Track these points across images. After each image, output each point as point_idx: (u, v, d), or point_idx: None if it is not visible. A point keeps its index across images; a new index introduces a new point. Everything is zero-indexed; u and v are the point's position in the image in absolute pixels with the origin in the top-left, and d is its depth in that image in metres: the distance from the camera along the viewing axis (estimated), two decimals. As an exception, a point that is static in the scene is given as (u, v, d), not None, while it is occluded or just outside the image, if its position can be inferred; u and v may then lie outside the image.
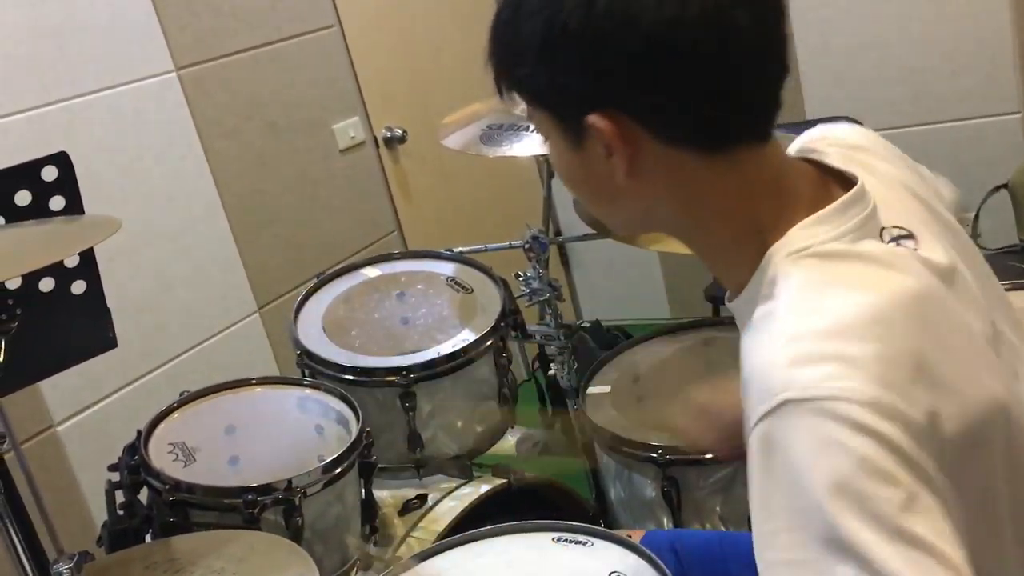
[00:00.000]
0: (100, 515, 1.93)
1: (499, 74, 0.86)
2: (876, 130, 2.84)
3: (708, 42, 0.76)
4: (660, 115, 0.79)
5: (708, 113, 0.79)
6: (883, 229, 0.82)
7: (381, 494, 1.72)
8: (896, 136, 3.25)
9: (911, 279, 0.77)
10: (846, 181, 0.85)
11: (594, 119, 0.79)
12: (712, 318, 2.49)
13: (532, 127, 1.77)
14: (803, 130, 2.08)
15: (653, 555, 1.25)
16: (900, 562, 0.64)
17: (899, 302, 0.74)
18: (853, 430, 0.67)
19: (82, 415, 2.08)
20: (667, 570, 1.21)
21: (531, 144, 1.73)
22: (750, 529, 1.59)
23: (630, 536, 1.33)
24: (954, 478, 0.71)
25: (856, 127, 1.00)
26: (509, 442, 2.69)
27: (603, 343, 2.72)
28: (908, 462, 0.67)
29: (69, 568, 0.97)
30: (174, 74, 2.30)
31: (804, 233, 0.79)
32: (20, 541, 1.27)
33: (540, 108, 0.86)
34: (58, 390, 2.00)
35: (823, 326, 0.72)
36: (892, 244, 0.81)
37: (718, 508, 1.63)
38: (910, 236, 0.83)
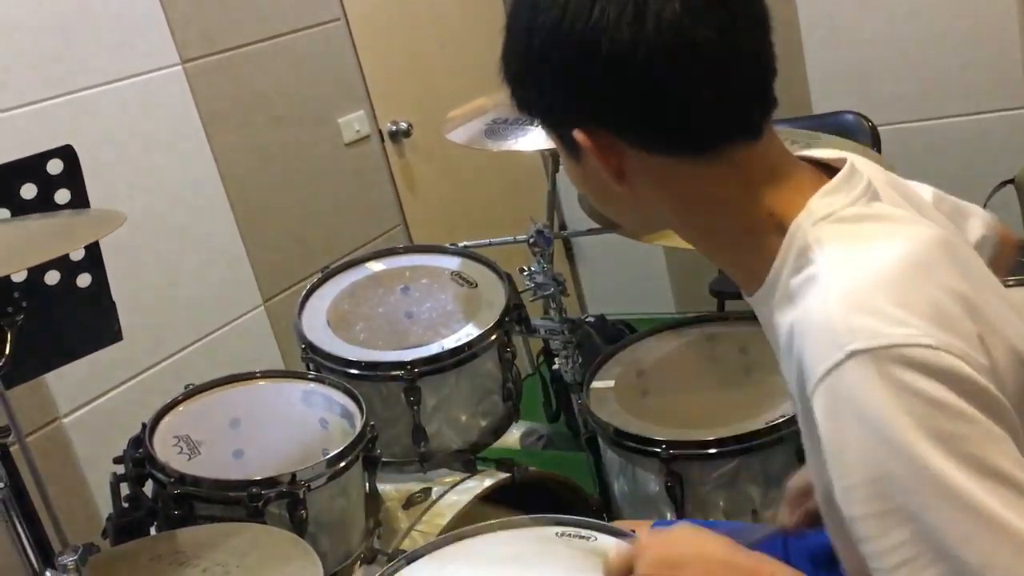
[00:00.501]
0: (105, 507, 1.93)
1: (509, 92, 0.91)
2: (882, 125, 2.83)
3: (666, 61, 0.77)
4: (636, 129, 0.82)
5: (681, 124, 0.81)
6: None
7: (385, 488, 1.73)
8: (903, 131, 3.26)
9: (931, 227, 0.80)
10: (834, 170, 0.88)
11: (577, 135, 0.83)
12: (717, 313, 2.49)
13: (536, 122, 1.77)
14: (808, 125, 2.07)
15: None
16: (991, 497, 0.67)
17: (931, 247, 0.77)
18: (925, 374, 0.69)
19: (88, 407, 2.09)
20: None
21: (536, 139, 1.73)
22: (755, 522, 1.58)
23: (634, 532, 1.33)
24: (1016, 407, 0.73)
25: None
26: (513, 436, 2.70)
27: (608, 337, 2.72)
28: (979, 396, 0.69)
29: (74, 560, 0.97)
30: (180, 67, 2.30)
31: (823, 202, 0.82)
32: (25, 534, 1.28)
33: (540, 124, 0.91)
34: (64, 382, 2.01)
35: (873, 278, 0.74)
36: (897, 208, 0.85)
37: (721, 503, 1.63)
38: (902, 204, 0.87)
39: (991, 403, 0.70)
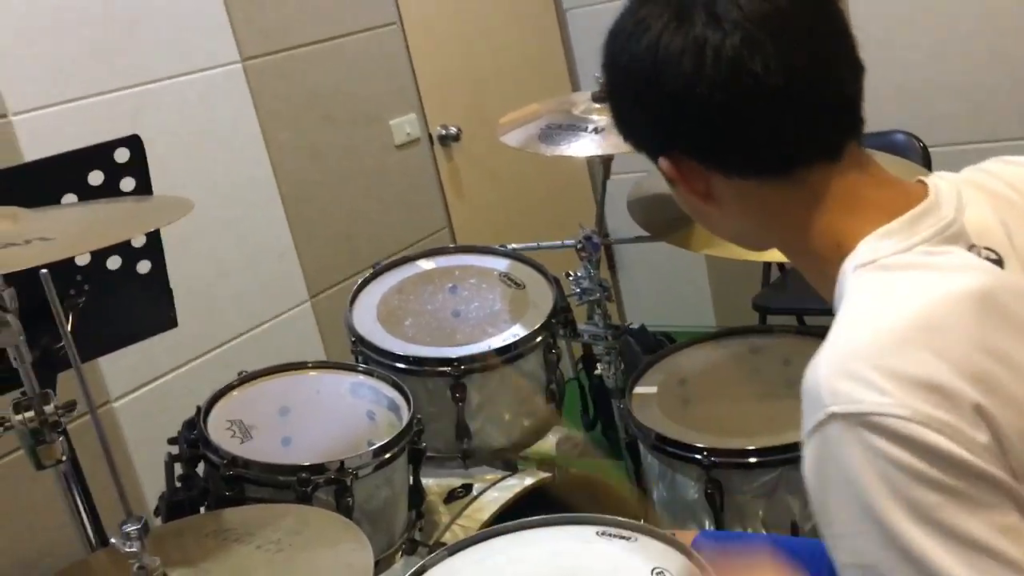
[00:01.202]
0: (151, 490, 1.98)
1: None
2: (933, 147, 2.81)
3: (727, 94, 0.80)
4: (711, 155, 0.85)
5: (750, 149, 0.83)
6: (973, 246, 0.81)
7: (427, 482, 1.75)
8: (953, 153, 3.23)
9: (975, 278, 0.76)
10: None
11: (661, 163, 0.88)
12: (760, 325, 2.49)
13: (590, 127, 1.79)
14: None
15: (695, 553, 1.25)
16: (953, 560, 0.67)
17: (956, 301, 0.74)
18: (897, 443, 0.69)
19: (137, 393, 2.13)
20: (711, 572, 1.21)
21: (589, 144, 1.75)
22: (793, 533, 1.59)
23: (675, 534, 1.34)
24: None
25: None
26: (550, 442, 2.71)
27: (647, 347, 2.73)
28: (956, 467, 0.68)
29: (137, 529, 1.00)
30: (239, 65, 2.35)
31: (872, 246, 0.80)
32: (84, 506, 1.32)
33: (637, 151, 0.95)
34: (116, 367, 2.06)
35: (869, 340, 0.73)
36: (978, 257, 0.81)
37: (761, 512, 1.63)
38: (998, 261, 0.81)
39: (973, 473, 0.69)
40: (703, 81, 0.80)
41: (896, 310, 0.74)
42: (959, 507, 0.68)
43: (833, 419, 0.71)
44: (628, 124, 0.92)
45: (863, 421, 0.70)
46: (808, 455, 0.74)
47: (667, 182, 0.93)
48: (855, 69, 0.85)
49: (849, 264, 0.81)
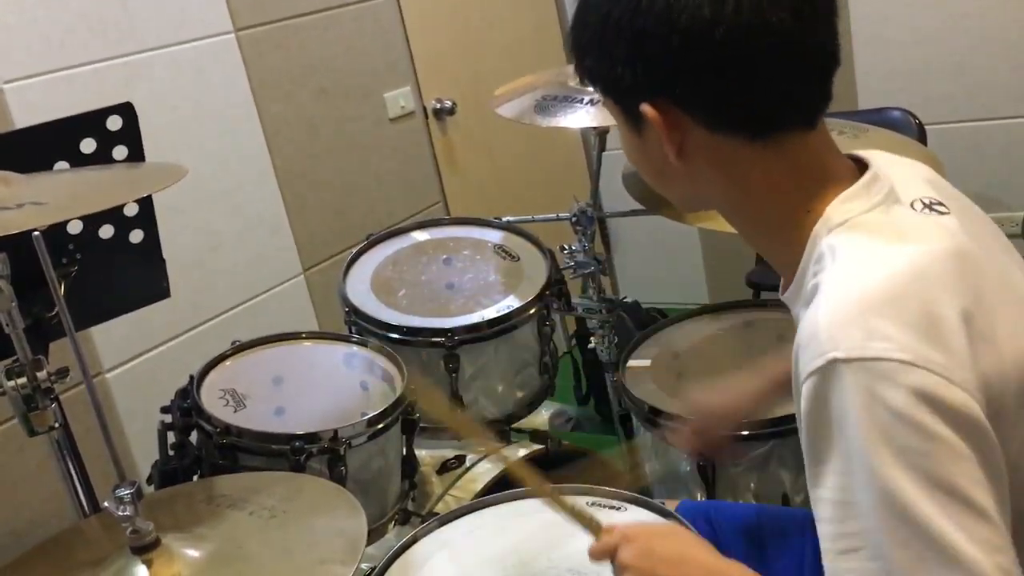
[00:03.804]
0: (144, 460, 1.98)
1: (575, 62, 0.93)
2: (929, 124, 2.80)
3: (744, 41, 0.80)
4: (703, 106, 0.85)
5: (748, 104, 0.84)
6: (913, 201, 0.86)
7: (420, 453, 1.75)
8: (949, 131, 3.24)
9: (945, 238, 0.82)
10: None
11: (644, 108, 0.86)
12: (754, 299, 2.49)
13: (586, 99, 1.78)
14: (854, 120, 2.06)
15: (687, 523, 1.26)
16: (935, 510, 0.70)
17: (936, 259, 0.78)
18: (896, 387, 0.71)
19: (129, 364, 2.13)
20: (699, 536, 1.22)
21: (584, 116, 1.75)
22: (784, 505, 1.60)
23: (663, 503, 1.35)
24: (1005, 431, 0.74)
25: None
26: (542, 416, 2.72)
27: (640, 323, 2.74)
28: (948, 414, 0.71)
29: (130, 493, 1.00)
30: (232, 35, 2.34)
31: (841, 208, 0.84)
32: (76, 473, 1.33)
33: (604, 95, 0.93)
34: (108, 338, 2.06)
35: (866, 288, 0.76)
36: (925, 211, 0.85)
37: (752, 485, 1.64)
38: (940, 203, 0.87)
39: (964, 422, 0.72)
40: (721, 26, 0.79)
41: (888, 263, 0.78)
42: (944, 456, 0.70)
43: (834, 364, 0.73)
44: (610, 63, 0.87)
45: (865, 366, 0.72)
46: (804, 396, 0.76)
47: (629, 132, 0.91)
48: (838, 36, 0.86)
49: (822, 227, 0.84)
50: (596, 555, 1.02)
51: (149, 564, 1.09)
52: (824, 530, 0.76)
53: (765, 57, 0.81)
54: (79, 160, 1.46)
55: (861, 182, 0.85)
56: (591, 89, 0.91)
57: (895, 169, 0.90)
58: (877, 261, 0.79)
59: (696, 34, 0.80)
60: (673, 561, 0.96)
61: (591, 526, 1.08)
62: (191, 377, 1.57)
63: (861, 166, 0.89)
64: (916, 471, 0.70)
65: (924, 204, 0.86)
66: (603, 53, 0.88)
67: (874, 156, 0.90)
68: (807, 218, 0.85)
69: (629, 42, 0.84)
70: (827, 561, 0.76)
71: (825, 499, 0.76)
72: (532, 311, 1.81)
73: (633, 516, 1.38)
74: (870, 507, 0.72)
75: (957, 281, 0.77)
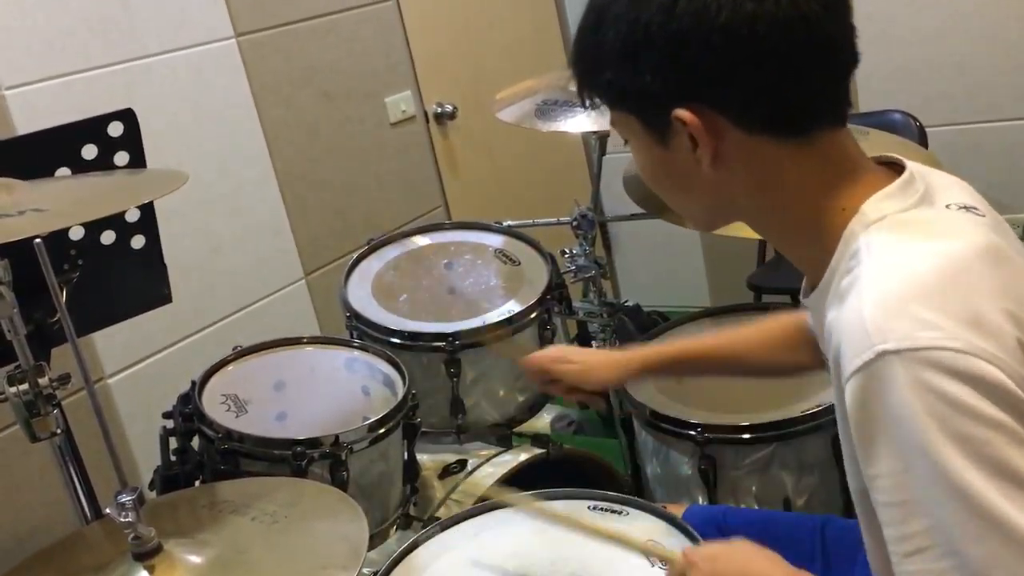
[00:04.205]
0: (146, 466, 1.98)
1: (582, 80, 0.92)
2: (930, 126, 2.80)
3: (784, 34, 0.80)
4: (741, 105, 0.84)
5: (786, 101, 0.83)
6: (948, 204, 0.86)
7: (421, 457, 1.75)
8: (951, 132, 3.23)
9: (981, 235, 0.81)
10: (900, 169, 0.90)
11: (680, 113, 0.84)
12: (756, 303, 2.49)
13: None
14: (854, 122, 2.06)
15: (689, 527, 1.26)
16: (1005, 500, 0.68)
17: (976, 253, 0.78)
18: (951, 376, 0.70)
19: (131, 370, 2.13)
20: (703, 542, 1.22)
21: (585, 120, 1.75)
22: (786, 508, 1.60)
23: (665, 507, 1.35)
24: None
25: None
26: (544, 420, 2.72)
27: (641, 326, 2.74)
28: (1006, 400, 0.71)
29: (132, 500, 1.00)
30: (233, 40, 2.34)
31: (877, 206, 0.84)
32: (78, 478, 1.33)
33: (623, 110, 0.90)
34: (110, 344, 2.06)
35: (911, 282, 0.76)
36: (961, 211, 0.85)
37: (754, 488, 1.64)
38: (975, 207, 0.87)
39: (1020, 408, 0.71)
40: (762, 20, 0.80)
41: (929, 258, 0.78)
42: (1006, 443, 0.70)
43: (883, 356, 0.72)
44: (638, 73, 0.85)
45: (917, 357, 0.71)
46: (851, 394, 0.75)
47: (652, 144, 0.89)
48: (855, 34, 0.87)
49: (858, 224, 0.83)
50: None
51: (151, 570, 1.09)
52: (888, 534, 0.75)
53: (802, 50, 0.81)
54: (80, 166, 1.46)
55: (898, 181, 0.86)
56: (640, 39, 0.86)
57: (931, 175, 0.90)
58: (918, 255, 0.78)
59: (737, 30, 0.80)
60: None
61: (661, 557, 1.13)
62: (193, 382, 1.57)
63: (895, 168, 0.89)
64: (981, 460, 0.69)
65: (959, 207, 0.86)
66: (627, 63, 0.85)
67: (908, 160, 0.90)
68: (841, 216, 0.85)
69: (663, 47, 0.82)
70: (896, 566, 0.75)
71: (883, 502, 0.75)
72: (533, 315, 1.81)
73: (634, 519, 1.38)
74: (935, 503, 0.70)
75: (996, 278, 0.77)
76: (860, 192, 0.85)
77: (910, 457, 0.71)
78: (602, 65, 0.88)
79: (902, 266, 0.78)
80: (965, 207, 0.86)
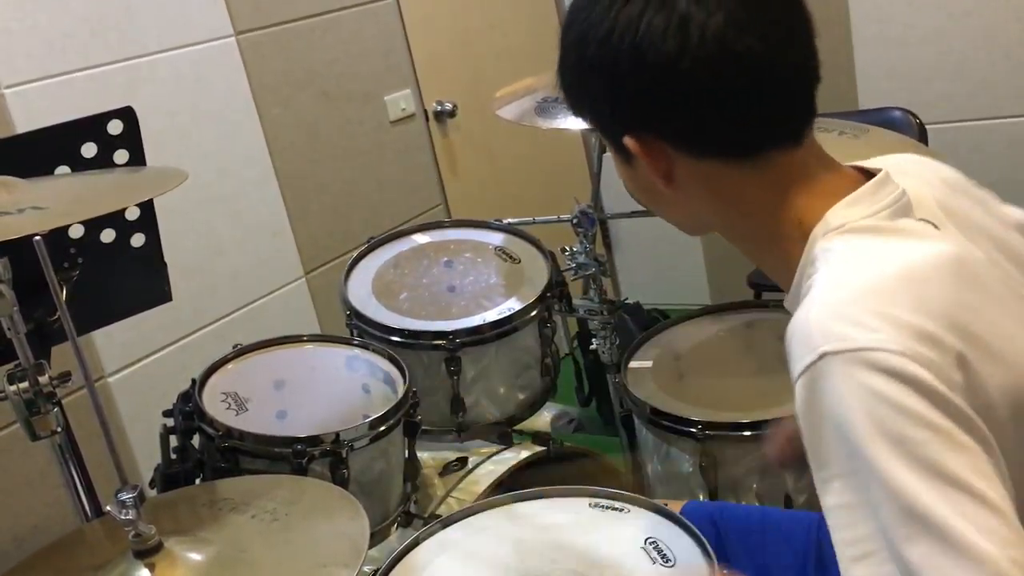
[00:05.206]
0: (146, 464, 1.98)
1: (564, 94, 0.94)
2: (930, 124, 2.80)
3: (711, 71, 0.81)
4: (678, 135, 0.85)
5: (724, 130, 0.84)
6: (919, 219, 0.85)
7: (422, 455, 1.75)
8: (951, 131, 3.24)
9: (947, 245, 0.81)
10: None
11: (626, 140, 0.87)
12: (755, 300, 2.49)
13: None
14: (854, 120, 2.05)
15: (690, 524, 1.26)
16: (936, 498, 0.68)
17: (934, 263, 0.78)
18: (888, 376, 0.70)
19: (131, 368, 2.13)
20: (704, 539, 1.22)
21: (585, 118, 1.74)
22: (787, 506, 1.61)
23: (666, 504, 1.35)
24: (1004, 438, 0.73)
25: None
26: (544, 418, 2.72)
27: (642, 324, 2.74)
28: (943, 405, 0.70)
29: (132, 497, 1.01)
30: (233, 39, 2.34)
31: (840, 213, 0.83)
32: (79, 476, 1.33)
33: (593, 128, 0.94)
34: (110, 342, 2.06)
35: (857, 286, 0.77)
36: (924, 224, 0.85)
37: (755, 485, 1.64)
38: (947, 217, 0.86)
39: (958, 414, 0.70)
40: (687, 59, 0.80)
41: (881, 264, 0.78)
42: (942, 445, 0.69)
43: (825, 358, 0.73)
44: (591, 100, 0.89)
45: (855, 357, 0.72)
46: (798, 396, 0.75)
47: (620, 162, 0.92)
48: (816, 53, 0.86)
49: (819, 231, 0.83)
50: None
51: (152, 568, 1.09)
52: (836, 539, 0.74)
53: (735, 85, 0.81)
54: (80, 164, 1.46)
55: (866, 187, 0.85)
56: (577, 77, 0.91)
57: (908, 182, 0.88)
58: (869, 261, 0.79)
59: (663, 68, 0.81)
60: None
61: None
62: (193, 381, 1.57)
63: (871, 174, 0.89)
64: (916, 461, 0.69)
65: (928, 222, 0.85)
66: (583, 91, 0.89)
67: (889, 166, 0.89)
68: (799, 229, 0.85)
69: (605, 80, 0.85)
70: (844, 573, 0.74)
71: (831, 505, 0.74)
72: (533, 313, 1.81)
73: (635, 517, 1.38)
74: (876, 505, 0.70)
75: (951, 287, 0.77)
76: (819, 204, 0.85)
77: (852, 459, 0.71)
78: (567, 89, 0.92)
79: (851, 271, 0.78)
80: (934, 222, 0.85)
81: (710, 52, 0.80)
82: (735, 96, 0.82)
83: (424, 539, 1.35)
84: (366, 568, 1.43)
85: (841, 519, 0.73)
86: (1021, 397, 0.76)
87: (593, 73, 0.86)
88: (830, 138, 1.75)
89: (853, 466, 0.71)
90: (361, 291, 1.85)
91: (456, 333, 1.74)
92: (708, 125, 0.84)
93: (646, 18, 0.81)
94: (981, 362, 0.74)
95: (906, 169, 0.92)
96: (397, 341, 1.74)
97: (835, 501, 0.73)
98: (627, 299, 2.69)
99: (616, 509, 1.40)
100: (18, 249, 1.17)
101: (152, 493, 1.52)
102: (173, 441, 1.52)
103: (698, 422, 1.61)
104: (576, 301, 1.98)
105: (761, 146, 0.85)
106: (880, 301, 0.74)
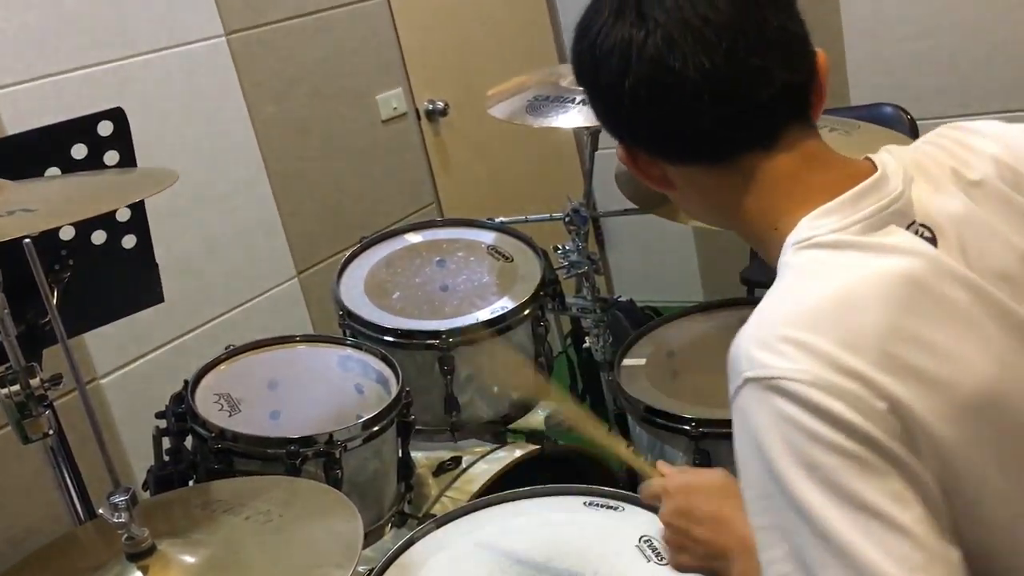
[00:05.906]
0: (139, 467, 1.98)
1: None
2: (921, 119, 2.79)
3: (652, 88, 0.83)
4: (650, 144, 0.89)
5: (686, 141, 0.86)
6: (913, 223, 0.82)
7: (416, 455, 1.75)
8: (940, 126, 3.18)
9: (906, 261, 0.77)
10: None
11: (617, 149, 0.92)
12: (748, 297, 2.50)
13: (578, 99, 1.78)
14: (845, 116, 2.05)
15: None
16: (846, 524, 0.69)
17: (876, 285, 0.76)
18: (798, 405, 0.72)
19: (123, 370, 2.13)
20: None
21: (576, 115, 1.74)
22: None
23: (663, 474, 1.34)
24: (945, 464, 0.72)
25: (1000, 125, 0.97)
26: (538, 417, 2.72)
27: (635, 321, 2.73)
28: (856, 434, 0.71)
29: (125, 500, 1.00)
30: (223, 38, 2.33)
31: (810, 225, 0.82)
32: (71, 479, 1.32)
33: None
34: (102, 344, 2.05)
35: (787, 312, 0.77)
36: (914, 236, 0.81)
37: (749, 483, 1.64)
38: (932, 239, 0.81)
39: (869, 441, 0.70)
40: (629, 77, 0.83)
41: (818, 287, 0.77)
42: (854, 472, 0.70)
43: (747, 384, 0.74)
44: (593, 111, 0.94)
45: (770, 385, 0.73)
46: (733, 421, 0.77)
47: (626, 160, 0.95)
48: (797, 58, 0.85)
49: (790, 241, 0.82)
50: (645, 496, 1.08)
51: (145, 570, 1.09)
52: (760, 557, 0.75)
53: (679, 100, 0.82)
54: (70, 166, 1.45)
55: (848, 194, 0.81)
56: (582, 89, 0.93)
57: (921, 183, 0.84)
58: (812, 283, 0.78)
59: (610, 88, 0.85)
60: (709, 522, 0.97)
61: (640, 469, 1.13)
62: (185, 382, 1.57)
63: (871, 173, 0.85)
64: (829, 488, 0.70)
65: (919, 234, 0.81)
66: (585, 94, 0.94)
67: (892, 162, 0.85)
68: (774, 235, 0.85)
69: (587, 94, 0.91)
70: None
71: (755, 525, 0.75)
72: (526, 312, 1.81)
73: (630, 515, 1.38)
74: (792, 528, 0.71)
75: (892, 317, 0.74)
76: (798, 210, 0.83)
77: (770, 482, 0.72)
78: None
79: (792, 293, 0.78)
80: (926, 237, 0.81)
81: (647, 72, 0.82)
82: (678, 111, 0.83)
83: (419, 539, 1.35)
84: (360, 568, 1.43)
85: (762, 539, 0.75)
86: (973, 416, 0.74)
87: (583, 86, 0.91)
88: (820, 135, 1.74)
89: (771, 489, 0.72)
90: (354, 291, 1.85)
91: (449, 332, 1.74)
92: (665, 137, 0.87)
93: (600, 37, 0.85)
94: (916, 391, 0.72)
95: (932, 154, 0.88)
96: (390, 341, 1.74)
97: (758, 522, 0.75)
98: (620, 296, 2.68)
99: (611, 507, 1.41)
100: (8, 251, 1.16)
101: (145, 495, 1.51)
102: (166, 443, 1.52)
103: (692, 420, 1.61)
104: (569, 299, 1.98)
105: (731, 151, 0.85)
106: (804, 328, 0.74)
